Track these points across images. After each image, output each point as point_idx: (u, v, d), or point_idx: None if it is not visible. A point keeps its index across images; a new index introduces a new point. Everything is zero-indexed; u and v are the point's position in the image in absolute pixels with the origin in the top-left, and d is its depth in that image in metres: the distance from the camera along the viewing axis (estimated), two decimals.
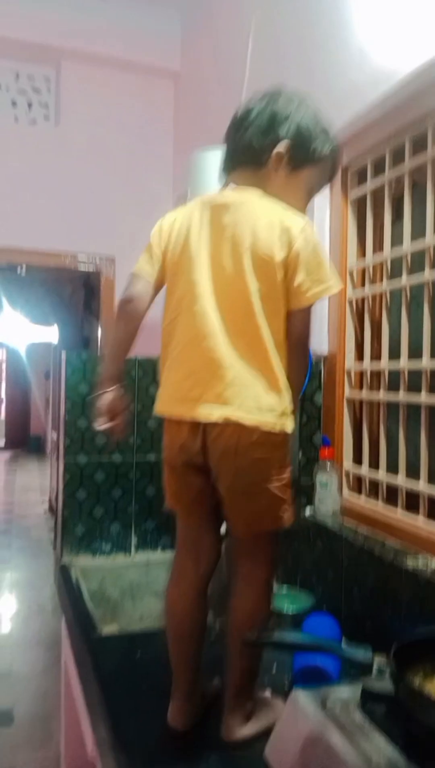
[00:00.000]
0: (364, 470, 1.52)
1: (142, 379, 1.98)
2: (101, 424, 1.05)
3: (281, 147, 1.01)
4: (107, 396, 1.05)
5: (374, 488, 1.50)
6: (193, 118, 2.76)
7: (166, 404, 1.02)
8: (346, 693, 0.81)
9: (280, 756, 0.81)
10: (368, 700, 0.78)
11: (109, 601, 1.90)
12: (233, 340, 0.95)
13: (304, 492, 1.60)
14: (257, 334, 0.95)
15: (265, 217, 0.98)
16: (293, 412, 0.99)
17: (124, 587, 1.95)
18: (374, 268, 1.51)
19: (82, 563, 1.92)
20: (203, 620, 1.04)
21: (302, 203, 1.05)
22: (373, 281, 1.52)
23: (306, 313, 0.99)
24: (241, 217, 0.98)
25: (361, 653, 0.79)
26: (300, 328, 0.99)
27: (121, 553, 2.00)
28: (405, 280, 1.36)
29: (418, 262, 1.35)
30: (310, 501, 1.59)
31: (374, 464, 1.49)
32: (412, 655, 0.80)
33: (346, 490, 1.58)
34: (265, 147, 1.01)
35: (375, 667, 0.78)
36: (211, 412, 0.94)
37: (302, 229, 0.96)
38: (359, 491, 1.55)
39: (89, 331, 5.28)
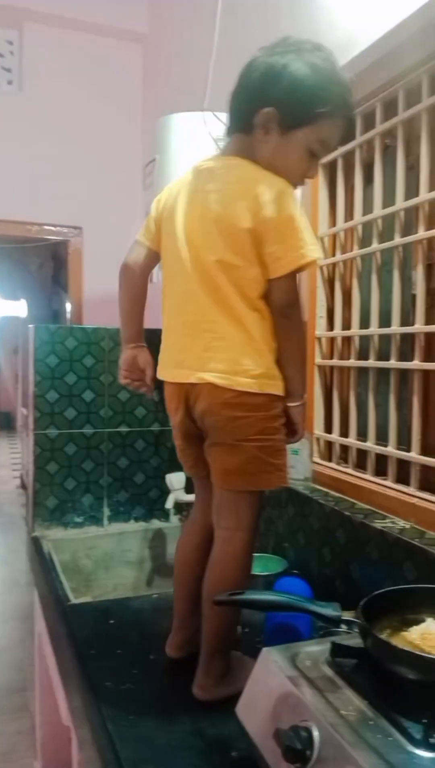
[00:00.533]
0: (335, 436, 1.53)
1: (112, 350, 1.96)
2: (122, 380, 1.17)
3: (269, 106, 0.93)
4: (125, 355, 1.15)
5: (344, 454, 1.52)
6: (161, 82, 2.70)
7: (160, 369, 1.09)
8: (316, 649, 0.82)
9: (251, 712, 0.82)
10: (338, 654, 0.79)
11: (82, 572, 1.90)
12: (211, 306, 0.97)
13: None
14: (228, 300, 0.96)
15: (240, 184, 0.95)
16: (301, 385, 1.03)
17: (97, 559, 1.95)
18: (345, 233, 1.51)
19: (55, 536, 1.91)
20: (205, 561, 1.07)
21: (299, 168, 0.97)
22: (344, 248, 1.51)
23: (285, 281, 0.95)
24: (217, 184, 0.98)
25: (330, 609, 0.80)
26: (280, 297, 0.96)
27: (93, 525, 2.00)
28: (375, 246, 1.36)
29: (389, 228, 1.35)
30: None
31: (344, 431, 1.51)
32: (380, 610, 0.82)
33: (316, 457, 1.59)
34: (254, 107, 0.94)
35: (344, 622, 0.80)
36: (190, 374, 0.98)
37: (276, 196, 0.92)
38: (330, 458, 1.57)
39: (58, 305, 5.20)
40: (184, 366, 1.00)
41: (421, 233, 1.22)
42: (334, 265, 1.54)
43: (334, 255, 1.53)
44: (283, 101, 0.92)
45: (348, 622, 0.80)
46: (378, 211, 1.36)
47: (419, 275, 1.23)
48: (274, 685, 0.78)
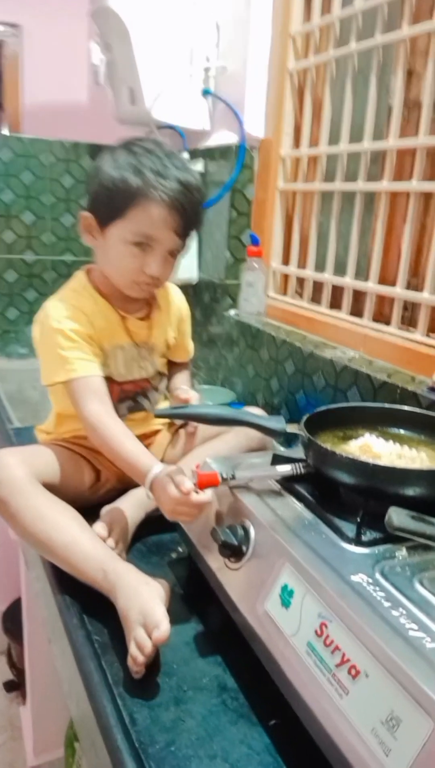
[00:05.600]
0: (292, 268, 1.47)
1: (53, 166, 1.77)
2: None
3: (86, 210, 0.94)
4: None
5: (300, 288, 1.46)
6: None
7: None
8: (257, 461, 0.83)
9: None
10: (279, 464, 0.80)
11: (28, 402, 1.87)
12: None
13: (229, 293, 1.55)
14: None
15: None
16: None
17: (45, 390, 1.92)
18: (320, 32, 1.32)
19: None
20: None
21: (125, 265, 0.93)
22: (318, 49, 1.34)
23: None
24: None
25: (274, 421, 0.79)
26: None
27: None
28: (354, 46, 1.20)
29: (369, 26, 1.18)
30: (235, 302, 1.55)
31: (302, 263, 1.44)
32: (322, 426, 0.82)
33: (272, 291, 1.54)
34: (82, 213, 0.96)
35: (288, 435, 0.80)
36: None
37: (38, 318, 0.97)
38: (285, 292, 1.52)
39: None
40: None
41: (405, 30, 1.07)
42: (305, 71, 1.36)
43: (306, 57, 1.36)
44: (93, 202, 0.93)
45: (291, 435, 0.80)
46: (359, 2, 1.18)
47: (398, 81, 1.10)
48: (215, 491, 0.79)
